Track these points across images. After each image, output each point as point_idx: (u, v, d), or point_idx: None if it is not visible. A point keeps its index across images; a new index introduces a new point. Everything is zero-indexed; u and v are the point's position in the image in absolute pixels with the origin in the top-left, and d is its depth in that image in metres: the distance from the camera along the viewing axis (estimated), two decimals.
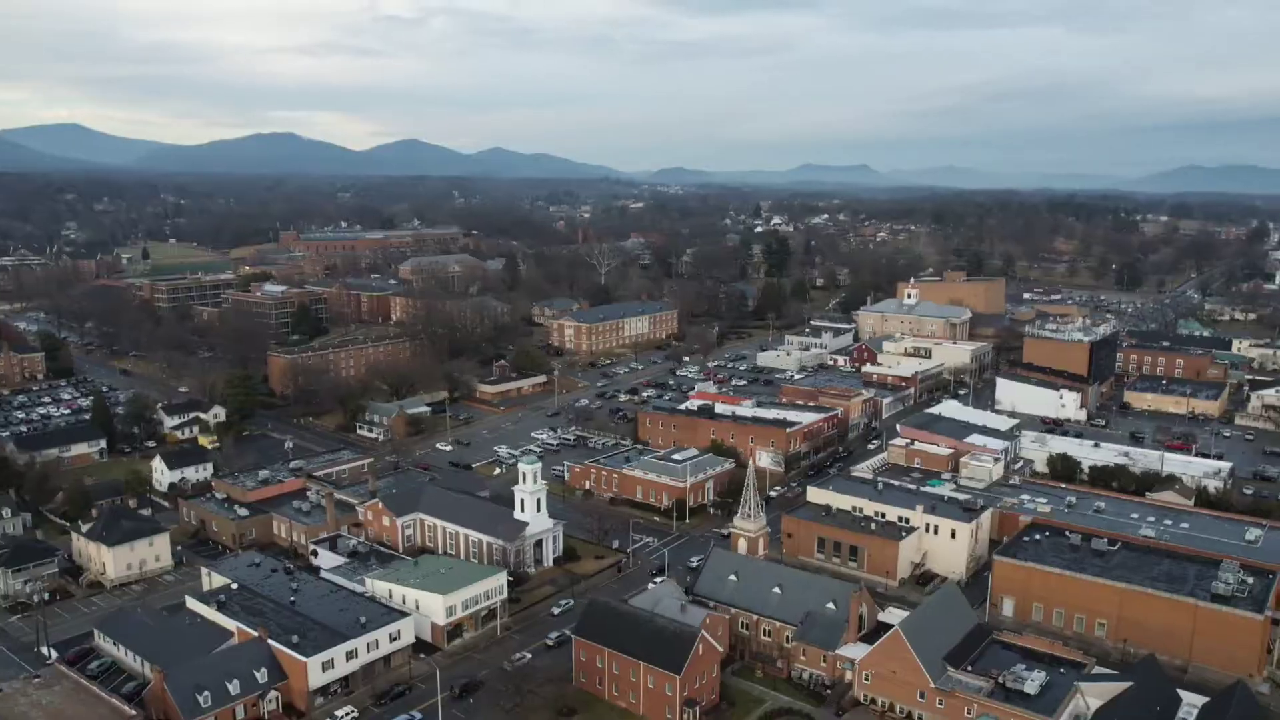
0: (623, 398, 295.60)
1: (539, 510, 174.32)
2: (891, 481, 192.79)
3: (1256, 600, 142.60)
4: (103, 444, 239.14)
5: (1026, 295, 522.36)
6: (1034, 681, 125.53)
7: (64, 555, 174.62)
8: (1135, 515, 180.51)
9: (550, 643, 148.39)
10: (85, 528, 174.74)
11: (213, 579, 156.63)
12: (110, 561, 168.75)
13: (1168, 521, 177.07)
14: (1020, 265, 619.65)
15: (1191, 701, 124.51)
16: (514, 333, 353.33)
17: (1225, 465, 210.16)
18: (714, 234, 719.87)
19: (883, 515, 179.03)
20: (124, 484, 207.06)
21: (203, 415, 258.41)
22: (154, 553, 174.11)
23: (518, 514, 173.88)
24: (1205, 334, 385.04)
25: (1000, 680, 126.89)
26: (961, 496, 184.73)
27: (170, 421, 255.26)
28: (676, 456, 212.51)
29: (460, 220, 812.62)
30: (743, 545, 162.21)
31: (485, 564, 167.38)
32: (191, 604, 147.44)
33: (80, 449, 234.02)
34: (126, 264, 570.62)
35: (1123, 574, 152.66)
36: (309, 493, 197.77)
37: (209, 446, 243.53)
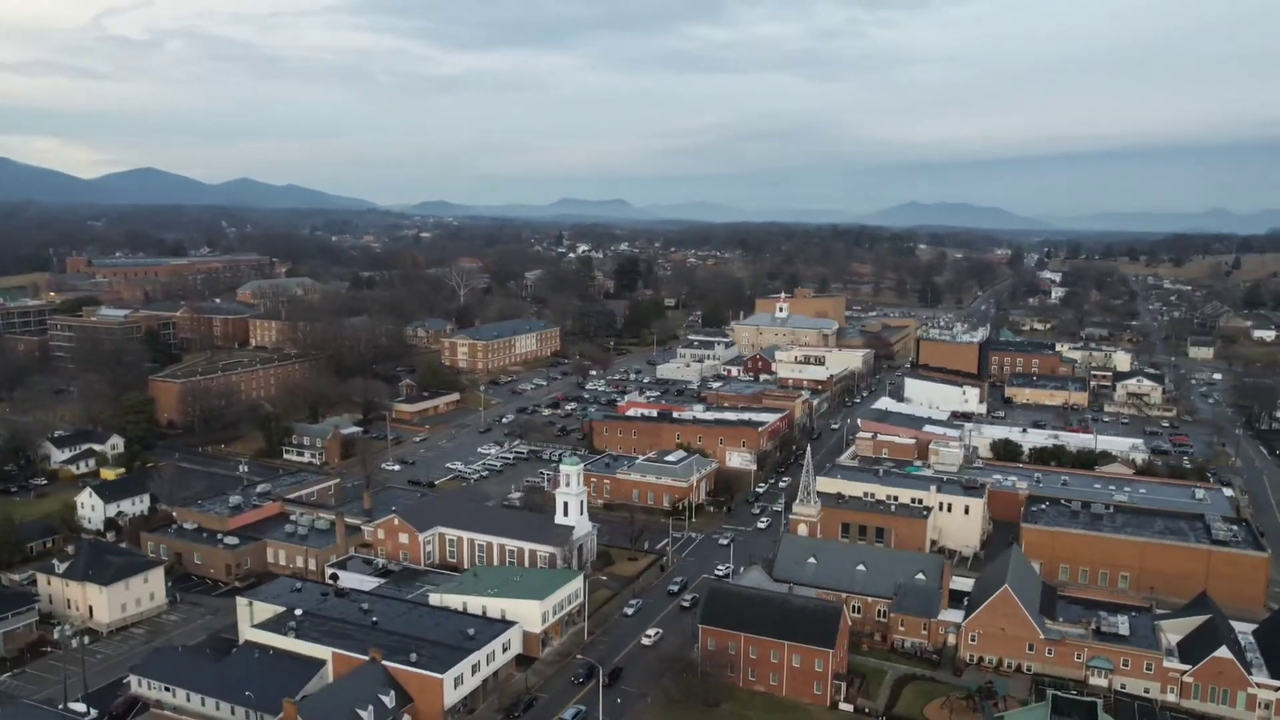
0: (545, 412, 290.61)
1: (581, 513, 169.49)
2: (892, 469, 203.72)
3: (1255, 542, 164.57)
4: None
5: (847, 313, 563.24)
6: (1124, 625, 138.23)
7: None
8: (1099, 485, 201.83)
9: (686, 603, 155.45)
10: (61, 567, 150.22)
11: (254, 610, 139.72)
12: (104, 603, 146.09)
13: (1127, 489, 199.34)
14: (834, 286, 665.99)
15: (1242, 629, 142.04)
16: (398, 353, 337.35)
17: (1138, 442, 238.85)
18: (538, 260, 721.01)
19: (895, 498, 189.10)
20: (59, 522, 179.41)
21: (98, 447, 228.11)
22: (149, 590, 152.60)
23: (560, 518, 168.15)
24: (1020, 340, 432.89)
25: (1095, 626, 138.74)
26: (957, 478, 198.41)
27: (60, 455, 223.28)
28: (670, 459, 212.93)
29: (256, 248, 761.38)
30: (803, 529, 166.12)
31: None
32: (255, 635, 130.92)
33: None
34: None
35: (1132, 531, 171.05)
36: (293, 517, 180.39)
37: (113, 478, 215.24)
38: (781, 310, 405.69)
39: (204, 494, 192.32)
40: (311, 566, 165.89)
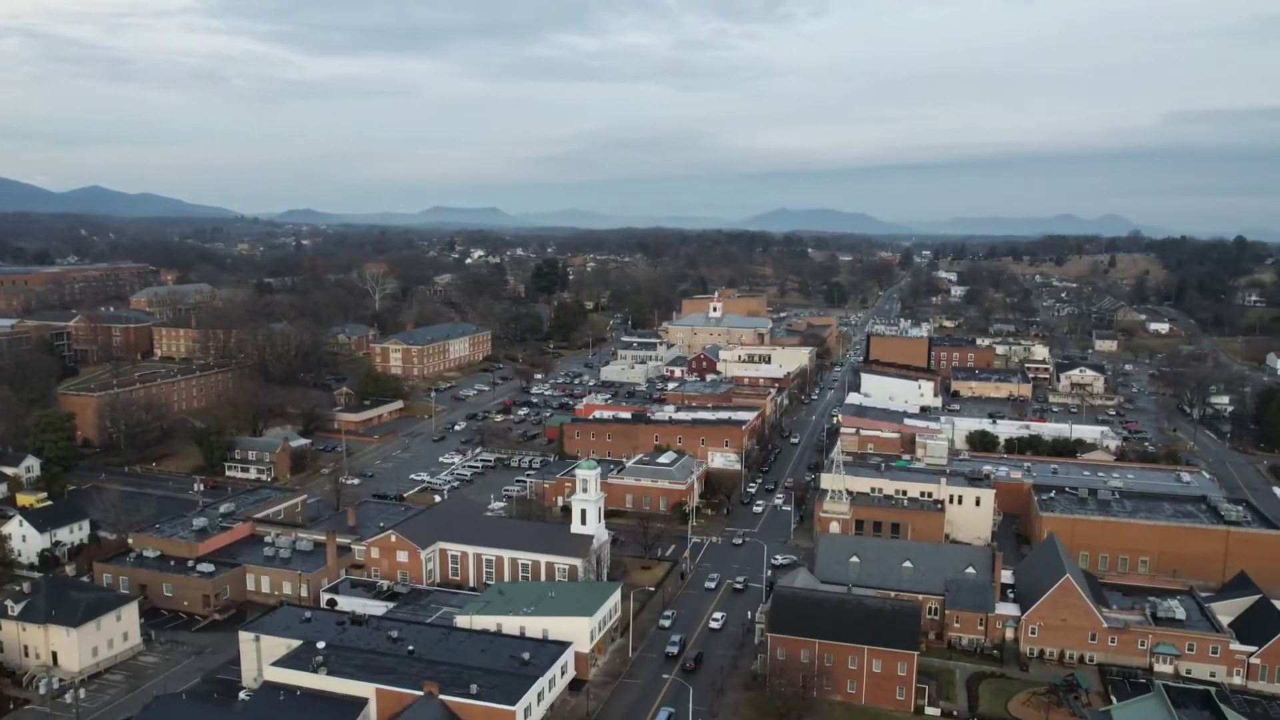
0: (498, 418, 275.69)
1: (599, 521, 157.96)
2: (892, 463, 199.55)
3: (1266, 521, 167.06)
4: None
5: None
6: (1179, 609, 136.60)
7: None
8: (1088, 473, 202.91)
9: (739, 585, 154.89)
10: (16, 608, 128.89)
11: (262, 645, 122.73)
12: (73, 647, 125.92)
13: (1115, 475, 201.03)
14: (741, 288, 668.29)
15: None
16: (326, 360, 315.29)
17: (1106, 429, 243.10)
18: (436, 265, 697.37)
19: (904, 492, 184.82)
20: None
21: (9, 470, 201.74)
22: (121, 630, 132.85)
23: (577, 527, 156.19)
24: (956, 336, 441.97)
25: (1151, 612, 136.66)
26: (961, 470, 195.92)
27: None
28: (662, 460, 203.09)
29: (130, 255, 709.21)
30: (835, 527, 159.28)
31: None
32: (276, 674, 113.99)
33: None
34: None
35: (1146, 516, 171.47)
36: (268, 538, 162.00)
37: (35, 505, 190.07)
38: (715, 310, 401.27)
39: (156, 518, 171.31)
40: (303, 593, 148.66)
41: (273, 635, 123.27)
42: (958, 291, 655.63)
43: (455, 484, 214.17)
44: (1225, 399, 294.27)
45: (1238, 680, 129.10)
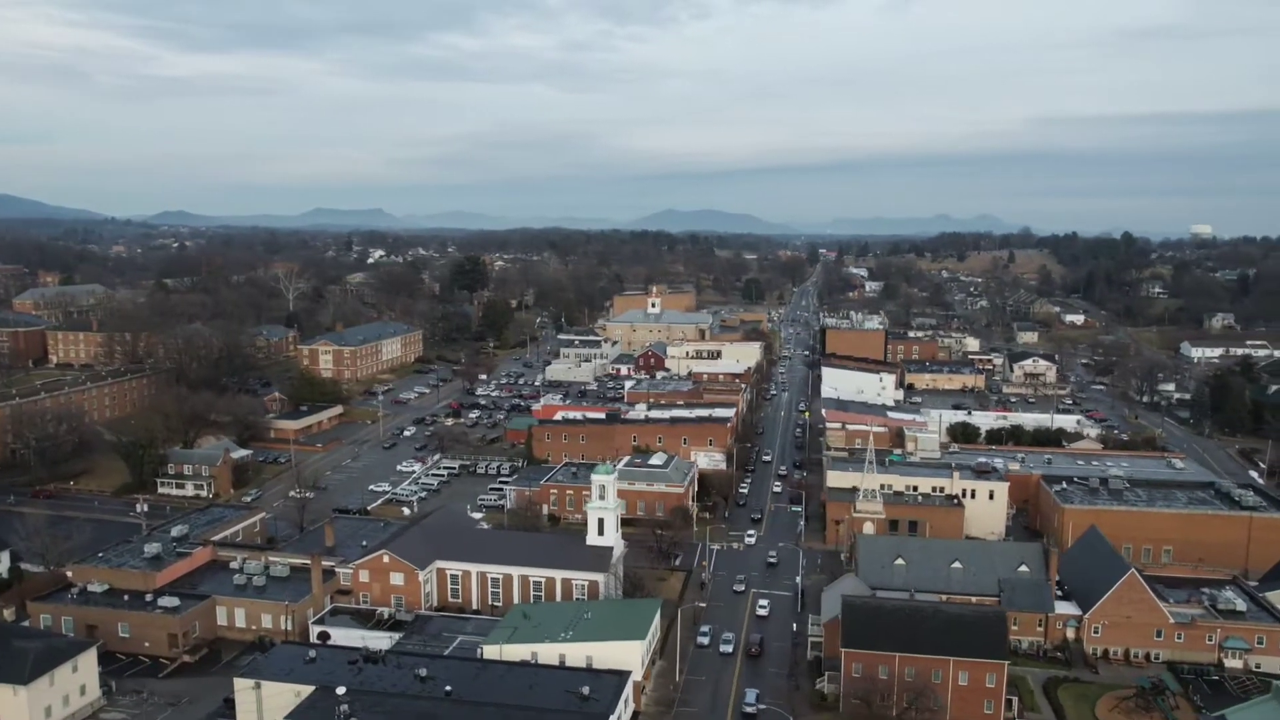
0: (448, 421, 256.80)
1: (617, 530, 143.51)
2: (897, 459, 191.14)
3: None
4: None
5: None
6: (1239, 600, 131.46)
7: None
8: (1082, 462, 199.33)
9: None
10: None
11: (263, 694, 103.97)
12: (23, 707, 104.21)
13: (1110, 463, 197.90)
14: (660, 286, 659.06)
15: None
16: (250, 364, 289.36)
17: (1081, 418, 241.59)
18: (338, 265, 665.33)
19: (914, 488, 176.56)
20: None
21: None
22: (79, 682, 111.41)
23: (594, 538, 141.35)
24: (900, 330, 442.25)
25: (1210, 604, 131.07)
26: (963, 463, 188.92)
27: None
28: (654, 462, 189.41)
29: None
30: (869, 527, 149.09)
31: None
32: None
33: None
34: None
35: (1164, 504, 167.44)
36: (233, 564, 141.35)
37: None
38: (654, 306, 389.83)
39: (93, 545, 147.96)
40: (286, 626, 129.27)
41: (275, 681, 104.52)
42: (872, 286, 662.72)
43: (422, 494, 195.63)
44: (1172, 386, 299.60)
45: None
